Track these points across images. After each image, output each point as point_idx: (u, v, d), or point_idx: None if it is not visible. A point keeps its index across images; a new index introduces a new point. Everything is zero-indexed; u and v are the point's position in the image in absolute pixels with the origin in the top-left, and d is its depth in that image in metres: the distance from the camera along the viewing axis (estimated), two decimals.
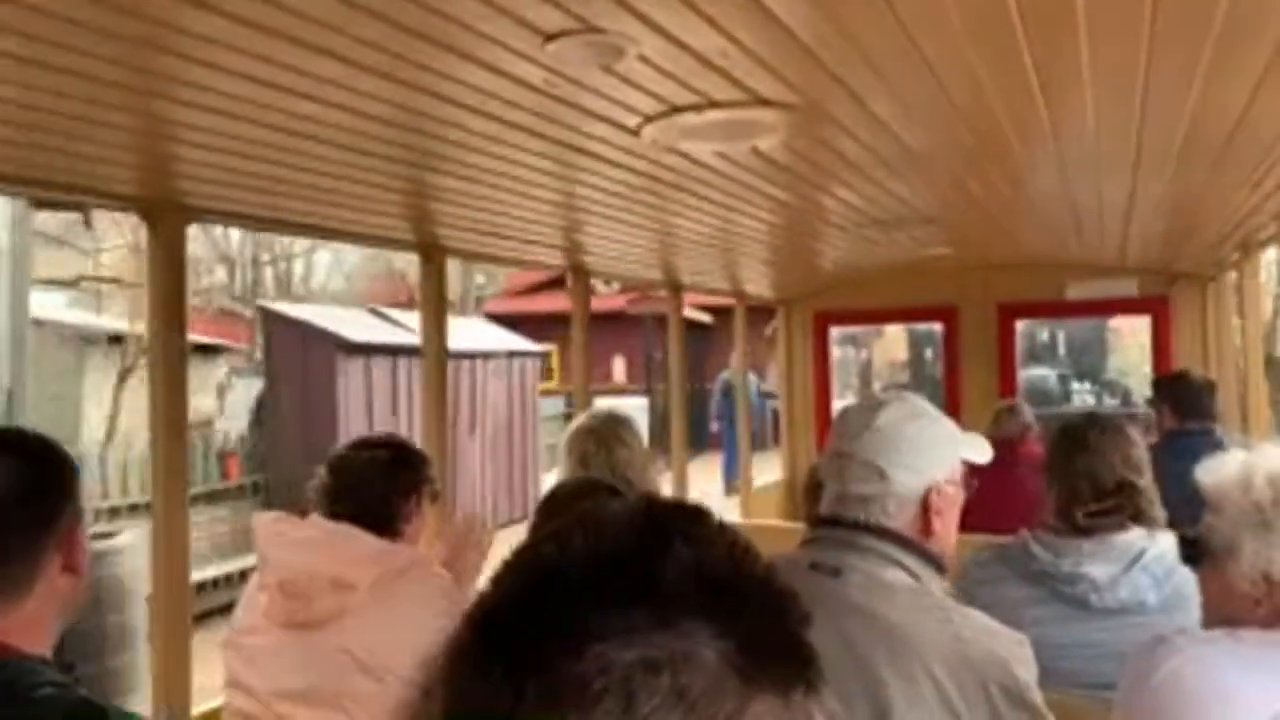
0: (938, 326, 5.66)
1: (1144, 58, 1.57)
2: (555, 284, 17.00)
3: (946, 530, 1.41)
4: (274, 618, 1.85)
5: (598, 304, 6.21)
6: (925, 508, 1.39)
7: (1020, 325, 5.49)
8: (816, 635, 1.42)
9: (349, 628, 1.78)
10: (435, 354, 3.08)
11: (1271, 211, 2.96)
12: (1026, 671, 1.27)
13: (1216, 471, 1.29)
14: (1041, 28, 1.43)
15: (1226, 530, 1.25)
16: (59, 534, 1.18)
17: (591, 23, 1.36)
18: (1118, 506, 1.81)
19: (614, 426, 2.52)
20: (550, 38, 1.39)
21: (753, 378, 11.77)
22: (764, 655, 0.50)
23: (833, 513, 1.42)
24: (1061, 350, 16.64)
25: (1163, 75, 1.66)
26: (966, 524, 1.80)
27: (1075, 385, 16.68)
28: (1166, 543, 1.75)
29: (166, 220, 2.19)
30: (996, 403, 4.44)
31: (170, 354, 2.19)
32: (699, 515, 0.55)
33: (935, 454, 1.42)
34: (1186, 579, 1.70)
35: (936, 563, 1.38)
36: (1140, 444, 1.93)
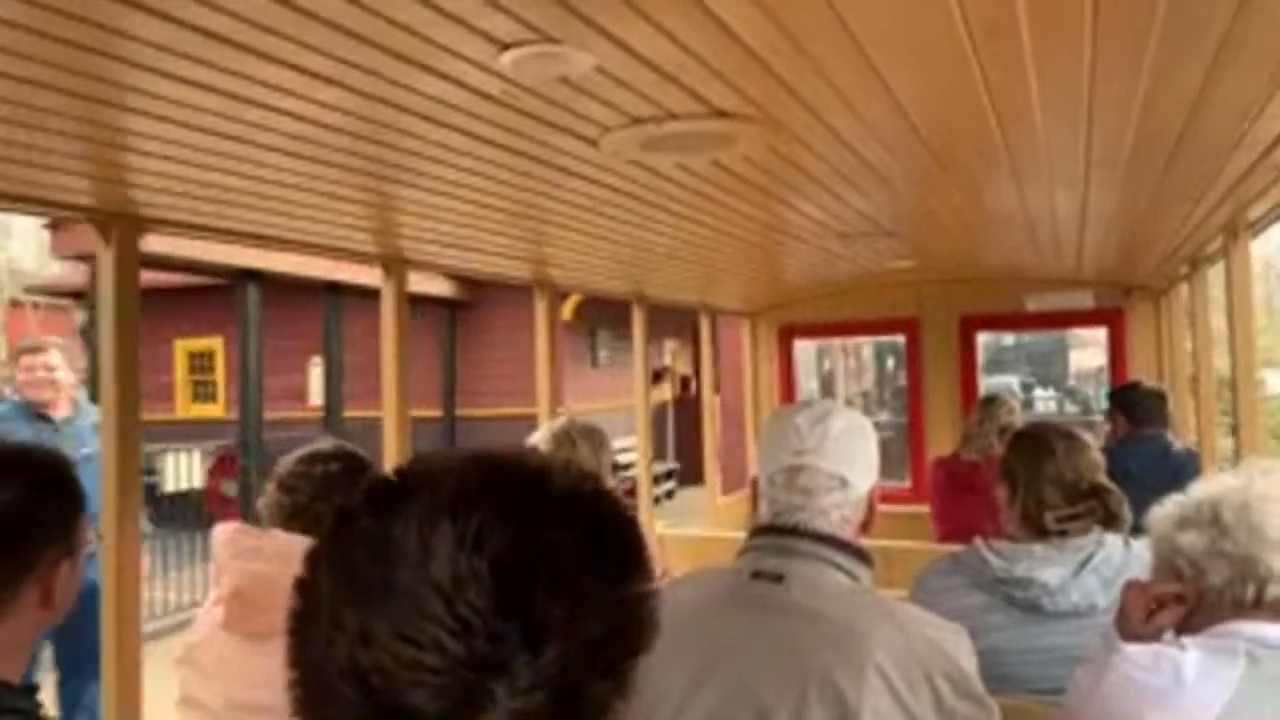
0: (900, 339, 5.72)
1: (1087, 74, 1.62)
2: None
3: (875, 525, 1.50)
4: (231, 628, 1.82)
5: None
6: (870, 507, 1.46)
7: (984, 334, 5.60)
8: (765, 640, 1.43)
9: None
10: (396, 365, 3.05)
11: (1217, 225, 3.04)
12: (968, 661, 1.30)
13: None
14: (989, 43, 1.47)
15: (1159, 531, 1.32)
16: (38, 570, 1.20)
17: (548, 34, 1.37)
18: (1090, 510, 1.84)
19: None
20: (506, 47, 1.40)
21: None
22: None
23: (770, 521, 1.44)
24: (1024, 357, 16.96)
25: (1106, 90, 1.71)
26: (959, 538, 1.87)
27: (1039, 392, 16.99)
28: (1115, 545, 1.78)
29: (120, 231, 2.16)
30: (956, 411, 4.50)
31: (124, 365, 2.15)
32: None
33: (874, 456, 1.49)
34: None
35: (867, 559, 1.42)
36: (1096, 449, 1.97)
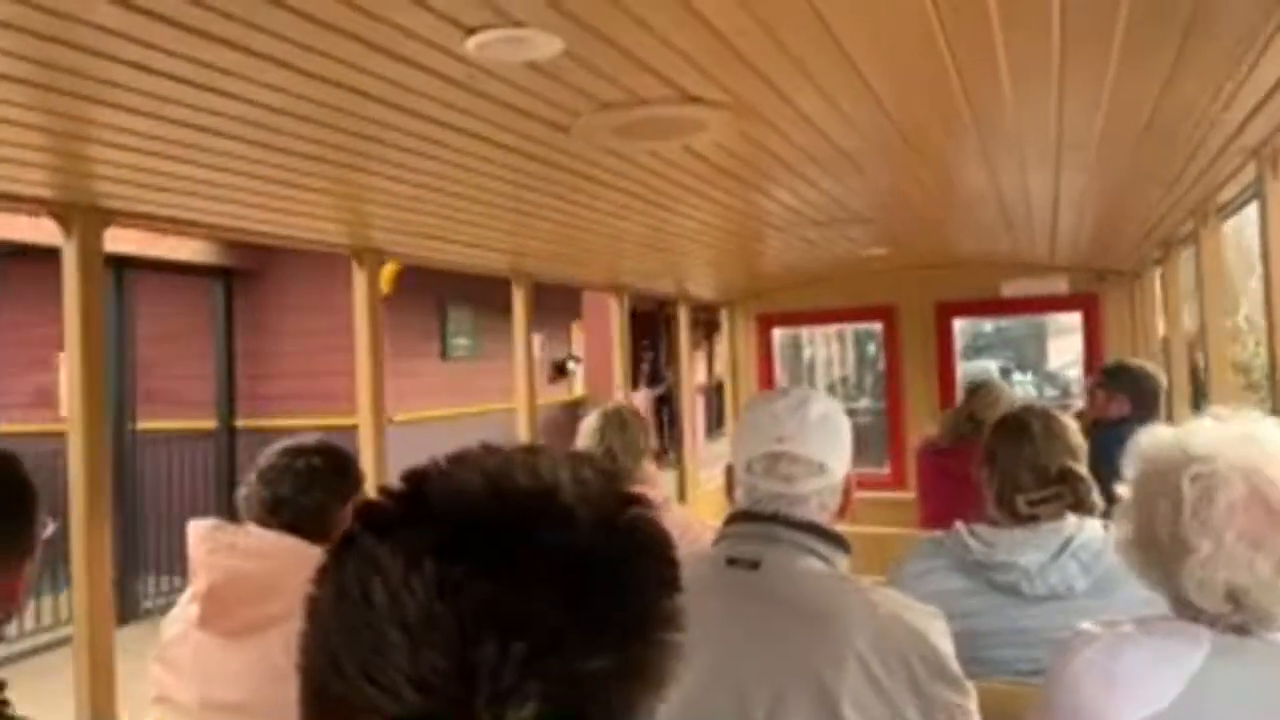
0: (878, 326, 5.75)
1: (1056, 51, 1.61)
2: None
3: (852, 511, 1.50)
4: (206, 625, 1.80)
5: None
6: (846, 492, 1.46)
7: (962, 319, 5.62)
8: (742, 626, 1.42)
9: (280, 636, 1.74)
10: (370, 354, 3.03)
11: (1187, 208, 3.06)
12: (944, 643, 1.31)
13: (1136, 460, 1.32)
14: (957, 20, 1.46)
15: (1131, 494, 1.30)
16: (6, 577, 1.19)
17: (513, 17, 1.35)
18: (1058, 495, 1.85)
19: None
20: (471, 31, 1.38)
21: None
22: None
23: (747, 508, 1.44)
24: (1003, 342, 17.06)
25: (1076, 69, 1.71)
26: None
27: (1017, 376, 17.15)
28: (1094, 529, 1.79)
29: (82, 223, 2.12)
30: (934, 398, 4.50)
31: (89, 358, 2.11)
32: None
33: (849, 442, 1.49)
34: (1114, 562, 1.75)
35: (844, 545, 1.42)
36: (1078, 433, 1.97)
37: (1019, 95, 1.89)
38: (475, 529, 0.56)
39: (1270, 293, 2.11)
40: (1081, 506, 1.86)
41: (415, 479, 0.60)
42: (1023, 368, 17.52)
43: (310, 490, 1.93)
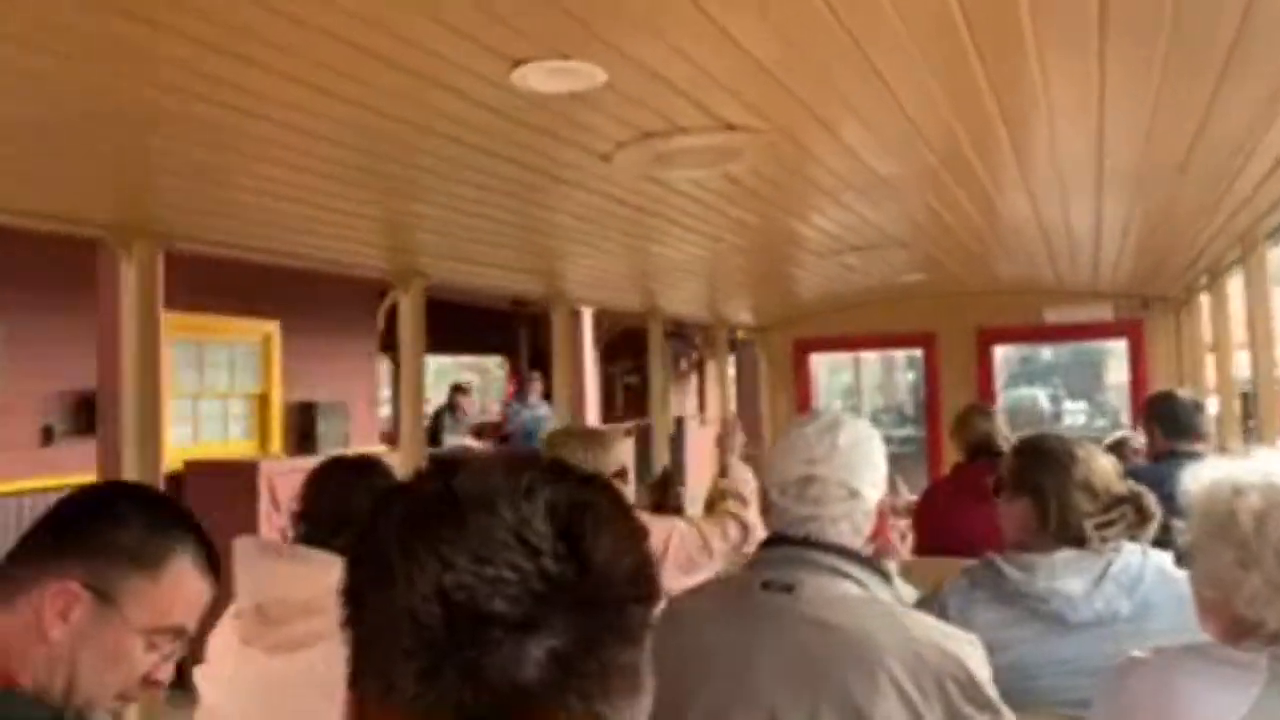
0: (918, 353, 5.70)
1: (1096, 83, 1.62)
2: None
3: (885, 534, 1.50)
4: (250, 643, 1.84)
5: None
6: (880, 517, 1.46)
7: (1007, 346, 5.54)
8: (776, 649, 1.43)
9: (324, 654, 1.77)
10: (414, 381, 3.08)
11: (1234, 234, 3.01)
12: (980, 668, 1.30)
13: (1198, 477, 1.31)
14: (994, 55, 1.47)
15: (1191, 534, 1.27)
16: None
17: (557, 49, 1.39)
18: (1122, 515, 1.82)
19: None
20: (516, 64, 1.42)
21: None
22: None
23: (780, 532, 1.45)
24: (1056, 369, 16.66)
25: (1116, 99, 1.71)
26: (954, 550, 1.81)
27: (1068, 405, 16.74)
28: (1132, 552, 1.76)
29: (139, 248, 2.19)
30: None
31: (147, 373, 2.18)
32: None
33: (883, 467, 1.49)
34: (1153, 587, 1.72)
35: (882, 572, 1.42)
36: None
37: (1058, 126, 1.89)
38: (520, 459, 0.69)
39: None
40: (1148, 519, 1.82)
41: (436, 457, 0.70)
42: (1074, 396, 17.11)
43: (352, 505, 1.96)
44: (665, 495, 3.25)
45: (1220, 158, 2.14)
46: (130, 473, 2.15)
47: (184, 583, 1.13)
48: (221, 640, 1.90)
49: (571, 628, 0.61)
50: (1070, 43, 1.44)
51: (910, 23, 1.36)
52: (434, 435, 8.58)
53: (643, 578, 0.66)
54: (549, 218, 2.55)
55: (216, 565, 1.18)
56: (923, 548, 3.43)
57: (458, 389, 9.40)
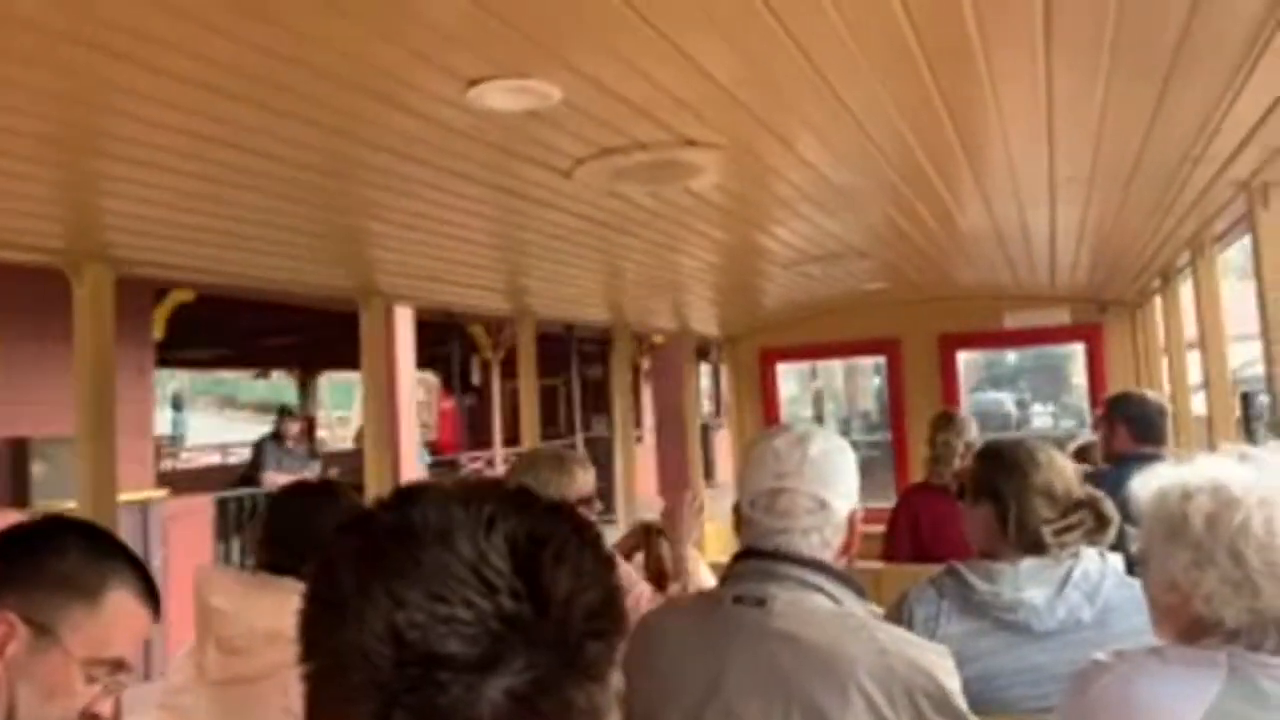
0: (881, 359, 5.76)
1: (1044, 94, 1.65)
2: None
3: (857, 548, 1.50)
4: (212, 674, 1.80)
5: None
6: (850, 530, 1.46)
7: (970, 352, 5.60)
8: (747, 663, 1.43)
9: (288, 683, 1.74)
10: (376, 401, 3.05)
11: (1183, 239, 3.08)
12: (949, 679, 1.31)
13: (1146, 483, 1.32)
14: (945, 68, 1.50)
15: (1143, 540, 1.29)
16: None
17: (513, 68, 1.39)
18: (1080, 521, 1.84)
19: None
20: (473, 83, 1.42)
21: None
22: None
23: (751, 545, 1.45)
24: (1022, 373, 16.90)
25: (1064, 109, 1.74)
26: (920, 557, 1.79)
27: (1036, 408, 16.96)
28: (1091, 558, 1.79)
29: (92, 274, 2.15)
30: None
31: (100, 403, 2.14)
32: None
33: (854, 478, 1.50)
34: (1113, 591, 1.75)
35: (855, 586, 1.42)
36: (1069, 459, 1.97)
37: (1010, 136, 1.93)
38: (481, 489, 0.67)
39: (1265, 324, 2.13)
40: (1106, 525, 1.84)
41: (398, 486, 0.69)
42: (1041, 399, 17.33)
43: (315, 531, 1.94)
44: (647, 552, 2.58)
45: (1168, 164, 2.19)
46: (84, 510, 2.11)
47: (123, 613, 1.12)
48: (181, 673, 1.86)
49: (529, 667, 0.60)
50: (1017, 52, 1.47)
51: (862, 40, 1.38)
52: (254, 466, 7.40)
53: (605, 613, 0.65)
54: (512, 234, 2.54)
55: (156, 596, 1.16)
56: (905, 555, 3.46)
57: (285, 414, 8.01)
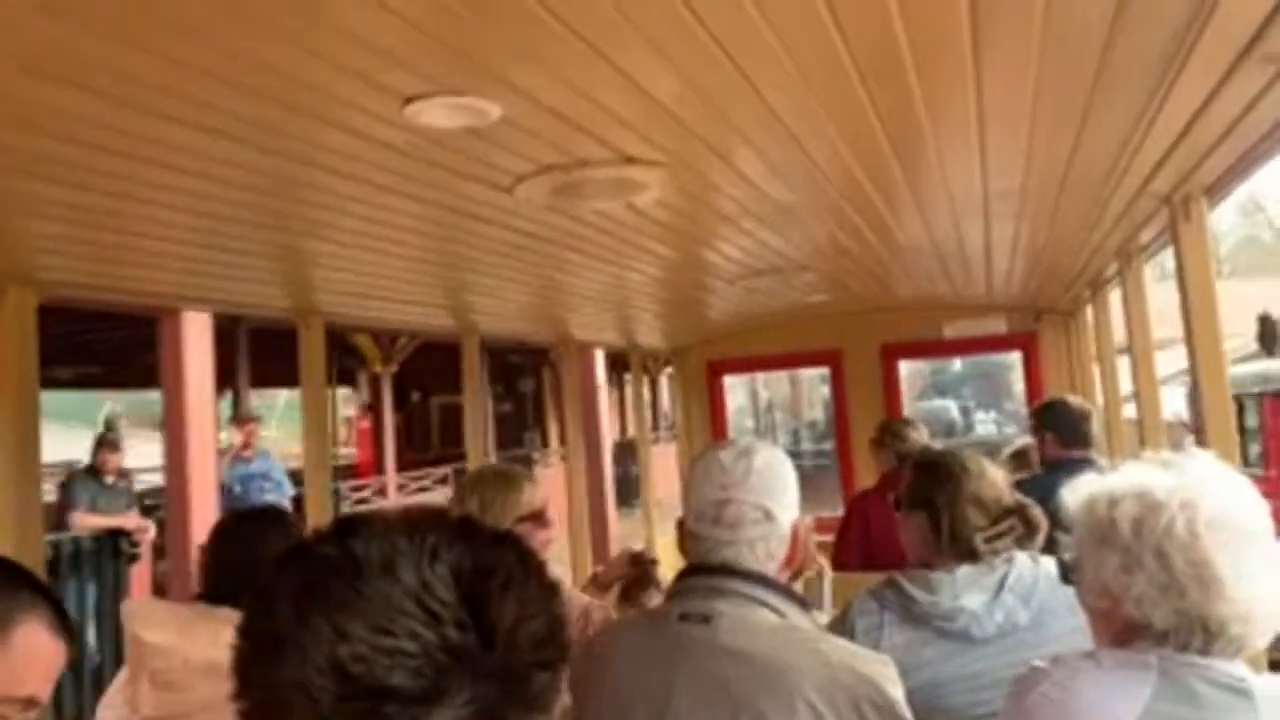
0: (825, 370, 5.83)
1: (974, 114, 1.69)
2: None
3: (801, 559, 1.51)
4: (145, 710, 1.74)
5: None
6: (794, 542, 1.47)
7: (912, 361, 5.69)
8: (695, 680, 1.43)
9: (225, 718, 1.68)
10: (316, 421, 2.99)
11: (1111, 250, 3.19)
12: (894, 689, 1.32)
13: (1075, 492, 1.35)
14: (878, 84, 1.53)
15: (1075, 547, 1.32)
16: None
17: (450, 85, 1.38)
18: (1011, 528, 1.87)
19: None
20: (409, 100, 1.40)
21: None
22: None
23: (697, 561, 1.45)
24: (969, 381, 17.15)
25: (994, 127, 1.79)
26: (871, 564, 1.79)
27: (980, 415, 17.25)
28: (1024, 562, 1.82)
29: (13, 297, 2.08)
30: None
31: (23, 432, 2.06)
32: None
33: (795, 491, 1.51)
34: (1047, 593, 1.78)
35: (799, 600, 1.43)
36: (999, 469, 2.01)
37: (943, 154, 1.98)
38: (424, 519, 0.67)
39: (1190, 335, 2.20)
40: (1035, 532, 1.88)
41: (339, 517, 0.69)
42: (984, 406, 17.63)
43: (254, 558, 1.89)
44: (641, 579, 2.47)
45: (1095, 177, 2.26)
46: (6, 546, 2.02)
47: (36, 648, 1.07)
48: (111, 709, 1.80)
49: (474, 699, 0.59)
50: (948, 68, 1.50)
51: (797, 57, 1.40)
52: (62, 505, 5.85)
53: (551, 643, 0.65)
54: (454, 251, 2.52)
55: (70, 628, 1.11)
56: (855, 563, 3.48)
57: (105, 443, 6.27)
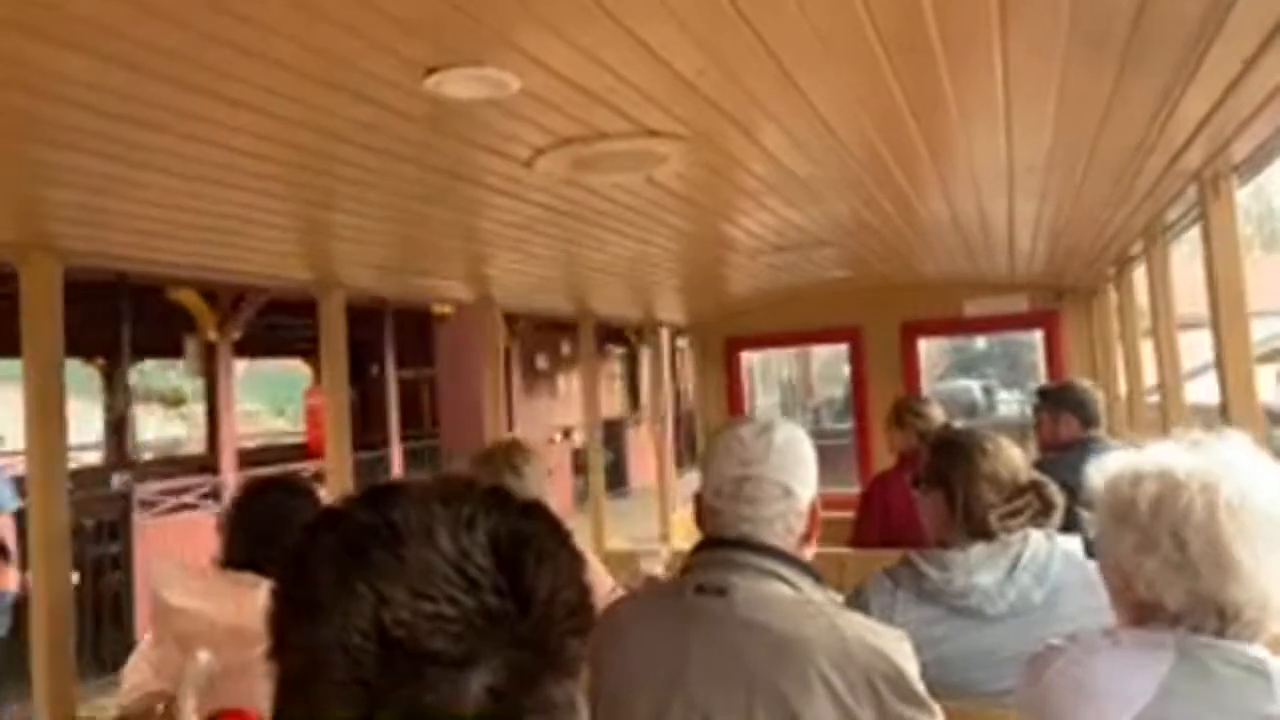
0: (845, 347, 5.80)
1: (1001, 88, 1.67)
2: None
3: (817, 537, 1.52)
4: (169, 675, 1.78)
5: None
6: (811, 518, 1.48)
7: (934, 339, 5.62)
8: (710, 652, 1.44)
9: (252, 680, 1.72)
10: (336, 391, 3.01)
11: (1137, 229, 3.14)
12: (908, 663, 1.33)
13: (1102, 469, 1.35)
14: (904, 58, 1.51)
15: (1098, 524, 1.32)
16: None
17: (470, 56, 1.37)
18: (1027, 505, 1.87)
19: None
20: (430, 71, 1.40)
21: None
22: None
23: (715, 534, 1.46)
24: (992, 360, 16.98)
25: (1020, 102, 1.76)
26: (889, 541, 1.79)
27: (1003, 395, 17.10)
28: (1039, 541, 1.82)
29: (37, 264, 2.10)
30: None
31: (48, 400, 2.09)
32: None
33: (814, 468, 1.52)
34: (1062, 572, 1.78)
35: (813, 574, 1.44)
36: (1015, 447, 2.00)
37: (969, 129, 1.95)
38: (460, 489, 0.68)
39: (1215, 316, 2.17)
40: (1051, 510, 1.88)
41: (374, 485, 0.69)
42: (1007, 385, 17.45)
43: (276, 526, 1.92)
44: None
45: (1122, 154, 2.23)
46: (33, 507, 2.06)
47: None
48: (137, 673, 1.83)
49: (510, 664, 0.61)
50: (975, 44, 1.48)
51: (822, 31, 1.38)
52: None
53: (582, 610, 0.66)
54: (474, 224, 2.52)
55: None
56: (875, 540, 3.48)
57: None
